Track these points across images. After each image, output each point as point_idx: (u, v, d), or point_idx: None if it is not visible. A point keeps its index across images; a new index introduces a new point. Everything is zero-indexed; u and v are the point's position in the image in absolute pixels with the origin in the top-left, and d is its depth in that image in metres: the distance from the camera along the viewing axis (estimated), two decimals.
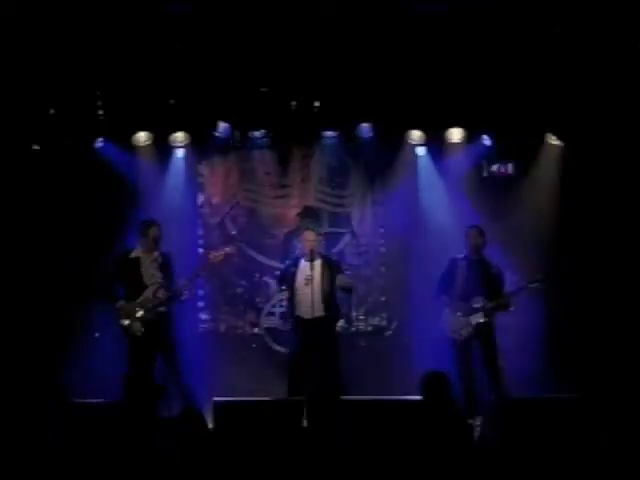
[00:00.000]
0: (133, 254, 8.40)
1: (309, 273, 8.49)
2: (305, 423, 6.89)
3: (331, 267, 8.66)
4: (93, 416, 6.97)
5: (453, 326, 8.60)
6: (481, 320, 8.51)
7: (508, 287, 8.63)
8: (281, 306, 9.95)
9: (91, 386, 8.33)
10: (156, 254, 8.38)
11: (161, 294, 8.28)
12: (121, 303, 8.25)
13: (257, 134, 9.98)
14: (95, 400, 7.37)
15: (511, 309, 8.63)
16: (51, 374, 8.72)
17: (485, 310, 8.50)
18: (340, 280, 8.58)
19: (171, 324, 8.39)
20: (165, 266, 8.37)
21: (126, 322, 8.21)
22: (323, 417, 5.65)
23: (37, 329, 9.20)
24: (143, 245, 8.40)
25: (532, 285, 8.53)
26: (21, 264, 9.28)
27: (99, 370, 8.93)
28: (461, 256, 8.75)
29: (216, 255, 8.59)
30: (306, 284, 8.48)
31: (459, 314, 8.59)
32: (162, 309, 8.30)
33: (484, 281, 8.53)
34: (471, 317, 8.55)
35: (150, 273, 8.33)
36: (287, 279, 8.72)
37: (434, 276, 8.97)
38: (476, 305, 8.53)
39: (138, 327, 8.20)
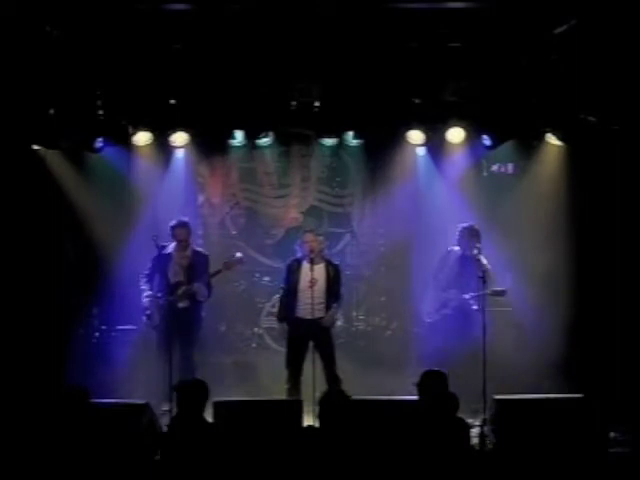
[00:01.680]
0: (168, 250, 8.82)
1: (312, 276, 8.49)
2: (305, 423, 6.91)
3: (333, 271, 8.68)
4: (93, 416, 6.97)
5: (427, 310, 9.17)
6: (448, 312, 8.87)
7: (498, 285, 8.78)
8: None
9: (91, 386, 8.34)
10: (187, 253, 8.81)
11: (180, 291, 8.66)
12: (147, 294, 8.72)
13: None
14: (95, 400, 7.38)
15: (474, 307, 8.75)
16: (51, 375, 8.73)
17: (458, 301, 8.84)
18: (328, 320, 8.61)
19: (193, 321, 8.76)
20: (193, 266, 8.73)
21: (148, 312, 8.69)
22: (332, 415, 5.64)
23: (37, 329, 9.18)
24: (175, 243, 8.85)
25: (493, 295, 8.73)
26: (21, 264, 9.27)
27: (99, 370, 8.92)
28: (456, 249, 8.97)
29: (231, 261, 8.89)
30: (310, 286, 8.48)
31: (435, 301, 9.05)
32: (182, 305, 8.66)
33: (468, 278, 8.71)
34: (443, 308, 8.95)
35: (175, 270, 8.75)
36: (289, 279, 8.71)
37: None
38: (449, 297, 8.89)
39: (156, 319, 8.66)
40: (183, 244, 8.82)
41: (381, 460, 5.53)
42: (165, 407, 7.92)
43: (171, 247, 8.85)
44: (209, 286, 8.78)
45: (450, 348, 8.53)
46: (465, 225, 8.94)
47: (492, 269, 8.76)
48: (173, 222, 8.85)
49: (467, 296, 8.78)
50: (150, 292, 8.73)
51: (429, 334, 9.05)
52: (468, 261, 8.76)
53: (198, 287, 8.68)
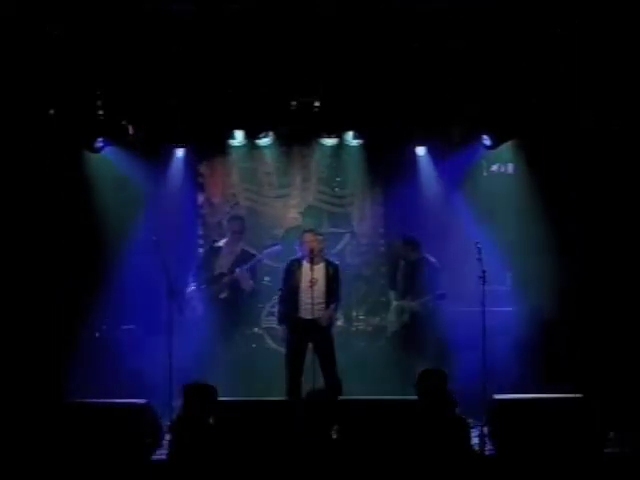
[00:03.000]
0: (219, 243, 9.48)
1: (312, 275, 8.51)
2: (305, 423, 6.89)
3: (333, 271, 8.68)
4: (93, 416, 6.98)
5: (388, 319, 9.53)
6: (406, 319, 9.21)
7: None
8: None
9: (92, 386, 8.35)
10: (237, 248, 9.40)
11: (224, 281, 9.24)
12: (193, 286, 9.15)
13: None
14: (95, 400, 7.40)
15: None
16: (51, 374, 8.73)
17: (410, 309, 9.17)
18: (324, 318, 8.62)
19: (234, 310, 9.29)
20: (241, 260, 9.30)
21: (192, 303, 9.15)
22: (323, 416, 5.63)
23: (39, 329, 9.18)
24: (227, 237, 9.51)
25: (437, 300, 9.06)
26: (21, 264, 9.27)
27: (100, 370, 8.93)
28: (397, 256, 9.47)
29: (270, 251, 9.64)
30: (310, 286, 8.49)
31: (393, 310, 9.40)
32: (223, 296, 9.24)
33: (417, 282, 9.14)
34: (400, 314, 9.27)
35: (222, 263, 9.33)
36: (289, 280, 8.71)
37: None
38: (406, 304, 9.21)
39: (200, 310, 9.15)
40: (236, 237, 9.41)
41: (380, 461, 5.53)
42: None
43: (222, 242, 9.49)
44: (254, 277, 9.39)
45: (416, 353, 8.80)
46: (401, 239, 9.44)
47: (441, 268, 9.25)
48: (230, 215, 9.86)
49: (414, 303, 9.16)
50: (195, 284, 9.16)
51: (394, 343, 9.37)
52: (412, 265, 9.22)
53: (240, 274, 9.23)
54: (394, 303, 9.43)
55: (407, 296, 9.26)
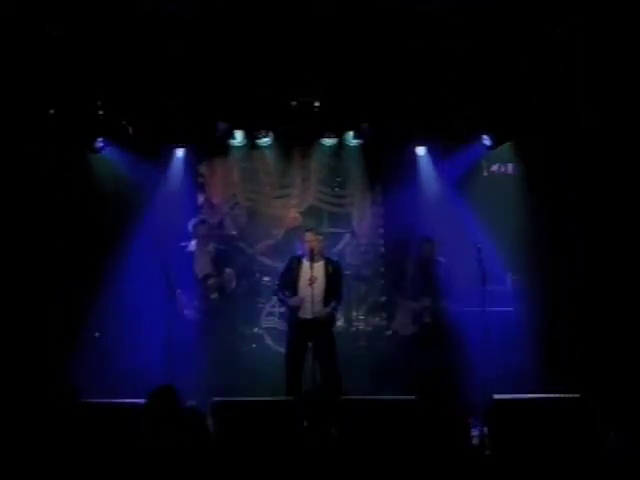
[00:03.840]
0: (190, 248, 9.45)
1: (312, 274, 8.52)
2: (305, 423, 6.90)
3: (332, 268, 8.68)
4: (93, 416, 6.98)
5: (401, 322, 9.37)
6: (427, 320, 9.06)
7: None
8: (281, 306, 9.94)
9: (92, 386, 8.35)
10: (210, 248, 9.50)
11: (210, 282, 9.35)
12: (178, 292, 8.97)
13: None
14: (96, 400, 7.39)
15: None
16: (52, 374, 8.73)
17: (431, 310, 9.04)
18: (321, 314, 8.59)
19: (227, 310, 9.50)
20: (218, 259, 9.48)
21: (183, 309, 9.10)
22: (322, 416, 5.64)
23: (39, 329, 9.19)
24: (196, 241, 9.49)
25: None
26: (21, 264, 9.27)
27: (100, 370, 8.93)
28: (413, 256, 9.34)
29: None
30: (309, 284, 8.49)
31: (407, 312, 9.24)
32: (213, 296, 9.37)
33: (432, 281, 9.02)
34: (419, 317, 9.13)
35: (202, 265, 9.40)
36: (288, 279, 8.72)
37: None
38: (423, 305, 9.05)
39: (192, 314, 9.17)
40: (204, 240, 9.48)
41: (380, 460, 5.53)
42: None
43: (192, 245, 9.43)
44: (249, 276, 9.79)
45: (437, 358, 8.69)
46: (421, 237, 9.33)
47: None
48: (194, 221, 9.62)
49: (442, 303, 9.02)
50: (180, 290, 9.06)
51: (409, 347, 9.17)
52: (427, 267, 9.14)
53: (229, 275, 9.48)
54: (411, 305, 9.24)
55: (421, 297, 9.13)
